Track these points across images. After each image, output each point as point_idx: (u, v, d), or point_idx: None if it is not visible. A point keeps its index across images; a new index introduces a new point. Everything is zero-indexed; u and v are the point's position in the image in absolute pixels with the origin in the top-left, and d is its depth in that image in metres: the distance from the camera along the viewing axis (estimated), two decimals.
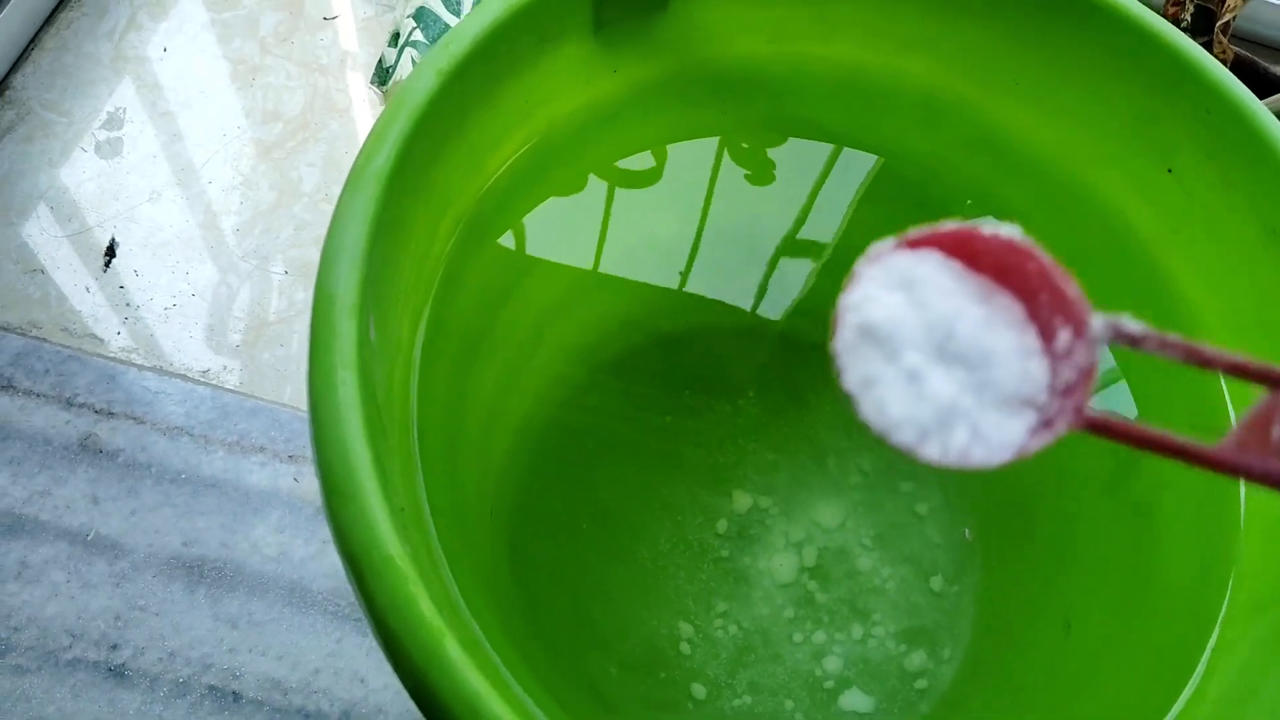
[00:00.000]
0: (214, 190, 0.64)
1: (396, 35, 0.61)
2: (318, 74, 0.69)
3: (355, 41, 0.70)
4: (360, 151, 0.31)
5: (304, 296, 0.62)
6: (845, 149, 0.44)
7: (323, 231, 0.63)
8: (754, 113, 0.42)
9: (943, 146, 0.42)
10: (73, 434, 0.57)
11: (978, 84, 0.40)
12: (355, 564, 0.26)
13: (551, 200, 0.41)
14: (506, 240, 0.40)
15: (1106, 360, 0.45)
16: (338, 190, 0.65)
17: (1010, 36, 0.39)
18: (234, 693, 0.52)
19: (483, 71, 0.33)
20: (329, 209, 0.64)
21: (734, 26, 0.40)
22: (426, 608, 0.25)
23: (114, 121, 0.66)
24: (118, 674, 0.52)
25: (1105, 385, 0.45)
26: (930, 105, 0.41)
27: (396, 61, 0.59)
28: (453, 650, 0.24)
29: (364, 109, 0.68)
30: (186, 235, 0.63)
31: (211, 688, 0.52)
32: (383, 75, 0.59)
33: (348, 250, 0.29)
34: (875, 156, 0.44)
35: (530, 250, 0.42)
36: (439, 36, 0.59)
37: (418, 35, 0.59)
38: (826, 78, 0.41)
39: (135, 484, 0.56)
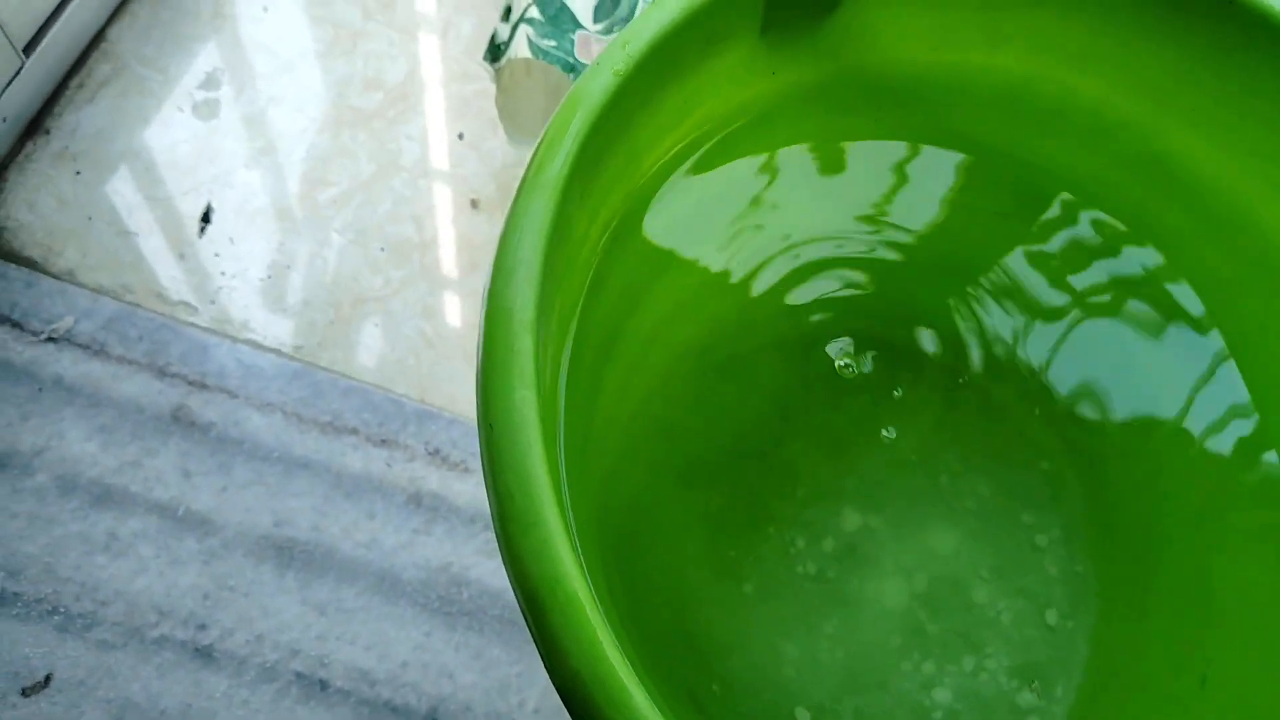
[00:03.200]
0: (311, 159, 0.63)
1: (509, 9, 0.59)
2: (419, 43, 0.67)
3: (459, 10, 0.68)
4: (535, 155, 0.29)
5: (399, 275, 0.60)
6: (995, 162, 0.42)
7: (420, 209, 0.62)
8: (908, 121, 0.40)
9: (1103, 168, 0.40)
10: (165, 404, 0.56)
11: (1151, 107, 0.38)
12: (535, 599, 0.24)
13: (694, 199, 0.40)
14: (648, 240, 0.39)
15: (1214, 342, 0.44)
16: (437, 166, 0.64)
17: (1193, 62, 0.36)
18: (321, 681, 0.52)
19: (654, 73, 0.31)
20: (427, 185, 0.63)
21: (899, 32, 0.38)
22: (613, 655, 0.23)
23: (211, 82, 0.65)
24: (205, 654, 0.52)
25: (1213, 370, 0.43)
26: (1097, 125, 0.39)
27: (510, 38, 0.57)
28: (640, 702, 0.23)
29: (467, 83, 0.66)
30: (282, 204, 0.61)
31: (299, 674, 0.52)
32: (495, 51, 0.57)
33: (525, 262, 0.27)
34: (1027, 173, 0.42)
35: (668, 249, 0.41)
36: (556, 15, 0.57)
37: (533, 12, 0.57)
38: (989, 90, 0.39)
39: (227, 459, 0.55)
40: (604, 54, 0.30)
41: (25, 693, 0.50)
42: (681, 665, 0.45)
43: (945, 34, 0.38)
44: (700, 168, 0.38)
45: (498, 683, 0.53)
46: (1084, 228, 0.45)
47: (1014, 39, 0.38)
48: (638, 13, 0.55)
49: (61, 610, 0.52)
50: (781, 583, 0.47)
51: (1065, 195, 0.44)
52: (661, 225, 0.39)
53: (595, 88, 0.29)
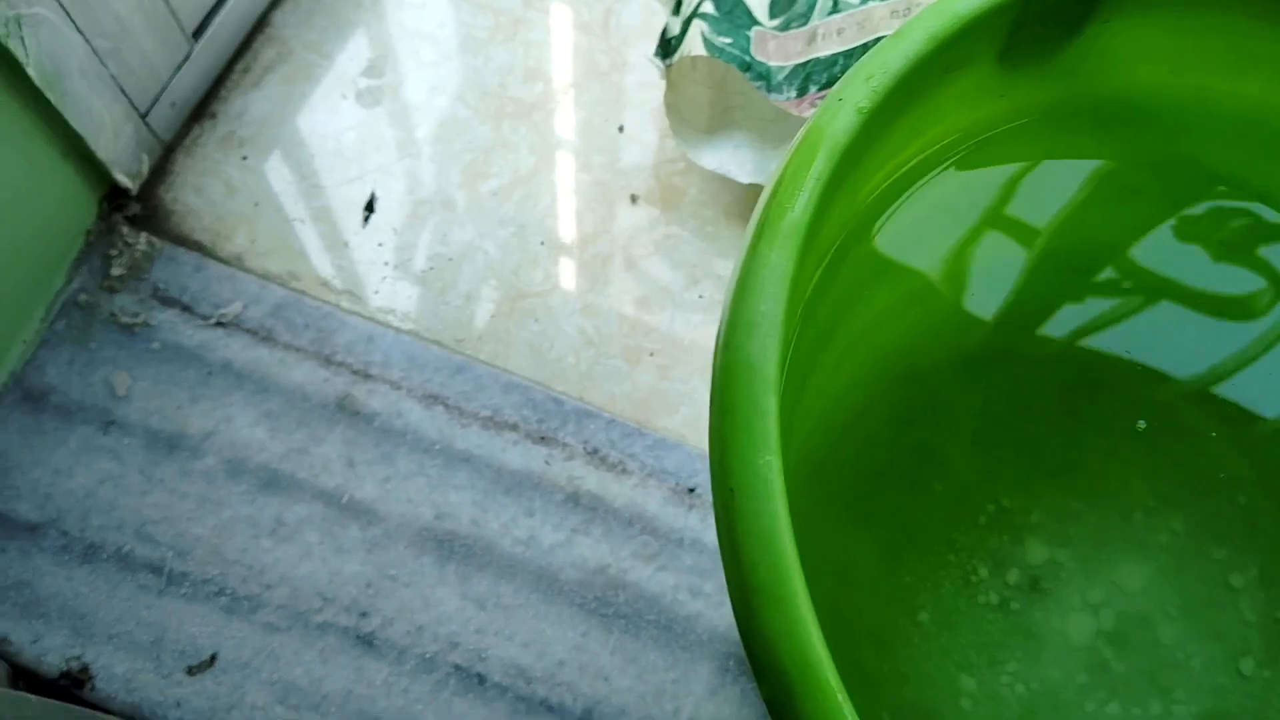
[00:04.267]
0: (473, 150, 0.62)
1: (680, 2, 0.57)
2: (580, 32, 0.66)
3: (621, 1, 0.67)
4: (772, 197, 0.28)
5: (559, 271, 0.60)
6: (1223, 188, 0.39)
7: (580, 203, 0.62)
8: (1137, 146, 0.38)
9: None
10: (330, 393, 0.56)
11: None
12: (783, 682, 0.23)
13: (909, 219, 0.38)
14: (854, 268, 0.37)
15: None
16: (598, 159, 0.63)
17: None
18: (479, 675, 0.52)
19: (893, 105, 0.30)
20: (588, 179, 0.62)
21: (1138, 55, 0.35)
22: None
23: (374, 69, 0.64)
24: (366, 642, 0.52)
25: None
26: None
27: (683, 33, 0.55)
28: None
29: (628, 73, 0.64)
30: (445, 195, 0.61)
31: (457, 667, 0.52)
32: (666, 47, 0.56)
33: (768, 316, 0.26)
34: (1260, 205, 0.39)
35: (875, 270, 0.39)
36: (731, 10, 0.55)
37: (708, 7, 0.55)
38: (1229, 117, 0.36)
39: (390, 450, 0.55)
40: (844, 88, 0.29)
41: (191, 671, 0.52)
42: (852, 696, 0.44)
43: (1188, 57, 0.35)
44: (916, 191, 0.37)
45: (653, 688, 0.52)
46: None
47: (1260, 65, 0.35)
48: (816, 8, 0.52)
49: (228, 592, 0.53)
50: (961, 613, 0.46)
51: None
52: (872, 249, 0.38)
53: (839, 127, 0.28)
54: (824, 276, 0.34)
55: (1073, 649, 0.45)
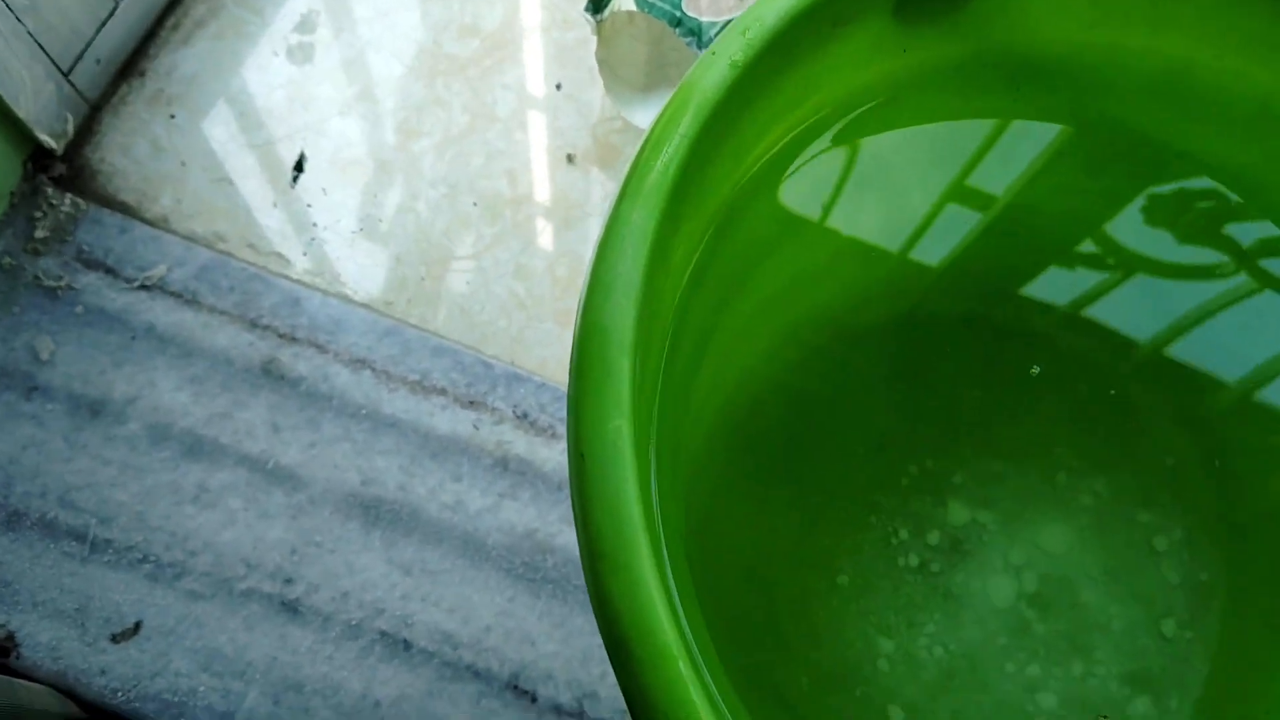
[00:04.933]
0: (406, 108, 0.61)
1: None
2: None
3: None
4: (638, 157, 0.27)
5: (491, 232, 0.59)
6: (1144, 149, 0.38)
7: (515, 163, 0.60)
8: (1051, 103, 0.37)
9: (1266, 159, 0.36)
10: (255, 357, 0.56)
11: None
12: (623, 647, 0.23)
13: (800, 183, 0.37)
14: (751, 231, 0.36)
15: None
16: (533, 117, 0.61)
17: None
18: (405, 641, 0.51)
19: (773, 60, 0.29)
20: (523, 137, 0.61)
21: (1050, 8, 0.34)
22: (705, 714, 0.22)
23: (307, 25, 0.63)
24: (291, 609, 0.52)
25: None
26: (1265, 114, 0.35)
27: None
28: None
29: (568, 30, 0.63)
30: (377, 154, 0.60)
31: (383, 633, 0.52)
32: (598, 3, 0.55)
33: (625, 277, 0.25)
34: (1178, 162, 0.38)
35: (773, 237, 0.38)
36: None
37: None
38: (1146, 73, 0.35)
39: (316, 415, 0.55)
40: (720, 42, 0.28)
41: (115, 639, 0.51)
42: (769, 658, 0.44)
43: (1104, 11, 0.34)
44: (813, 153, 0.36)
45: (580, 652, 0.52)
46: (1233, 220, 0.41)
47: (1180, 21, 0.34)
48: None
49: (152, 559, 0.52)
50: (880, 575, 0.45)
51: (1216, 185, 0.40)
52: (771, 212, 0.37)
53: (709, 82, 0.27)
54: (715, 236, 0.33)
55: (993, 611, 0.45)
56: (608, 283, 0.25)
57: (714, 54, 0.27)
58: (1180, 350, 0.46)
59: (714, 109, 0.27)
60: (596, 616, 0.24)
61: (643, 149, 0.27)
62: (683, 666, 0.22)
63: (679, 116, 0.27)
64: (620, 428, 0.24)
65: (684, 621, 0.24)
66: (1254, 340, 0.46)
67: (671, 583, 0.24)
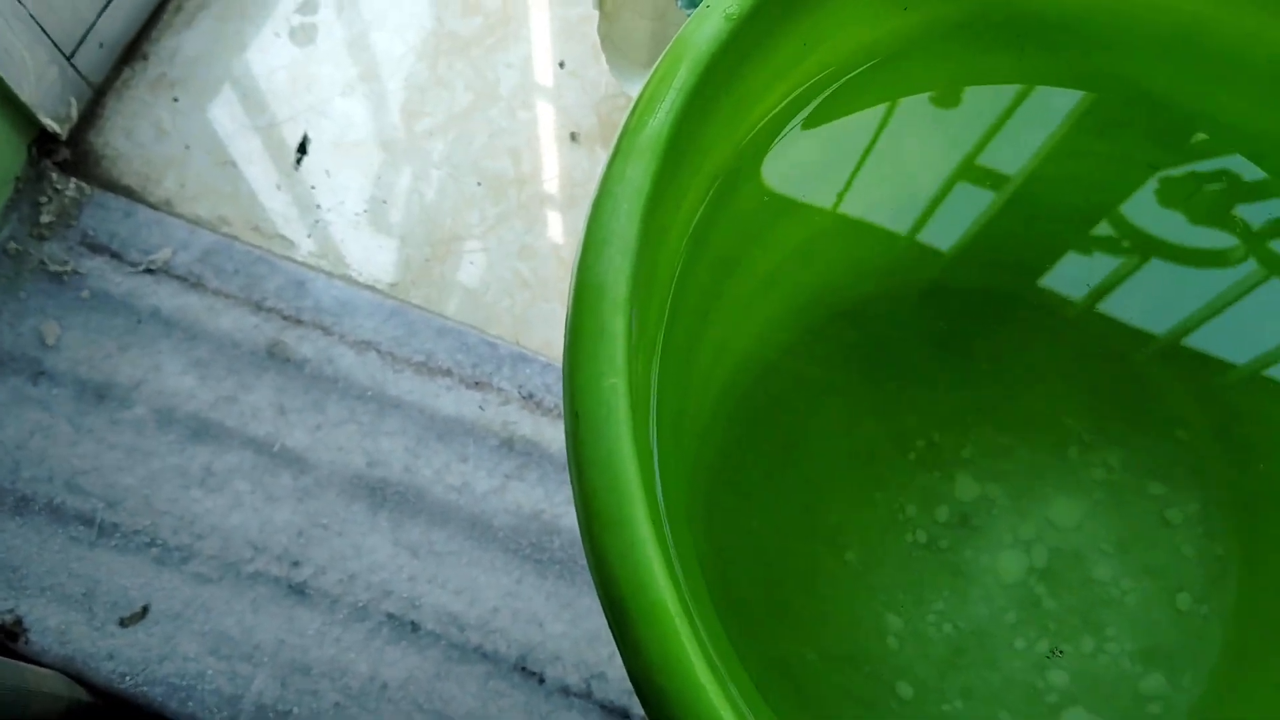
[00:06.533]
0: (409, 88, 0.61)
1: None
2: None
3: None
4: (633, 112, 0.26)
5: (496, 212, 0.58)
6: (1155, 110, 0.37)
7: (519, 141, 0.60)
8: (1058, 63, 0.36)
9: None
10: (260, 339, 0.55)
11: None
12: (619, 605, 0.22)
13: (813, 149, 0.36)
14: (755, 195, 0.36)
15: None
16: (538, 96, 0.61)
17: None
18: (412, 623, 0.51)
19: (770, 14, 0.28)
20: (526, 116, 0.60)
21: None
22: (704, 676, 0.21)
23: (309, 6, 0.63)
24: (298, 591, 0.52)
25: None
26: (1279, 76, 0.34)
27: None
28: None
29: (571, 6, 0.63)
30: (380, 135, 0.60)
31: (390, 615, 0.51)
32: None
33: (619, 234, 0.25)
34: (1191, 123, 0.37)
35: (782, 199, 0.37)
36: None
37: None
38: (1157, 31, 0.34)
39: (321, 397, 0.54)
40: None
41: (123, 623, 0.51)
42: (775, 634, 0.43)
43: None
44: (819, 117, 0.35)
45: (587, 634, 0.52)
46: (1247, 184, 0.40)
47: None
48: None
49: (159, 543, 0.52)
50: (888, 551, 0.45)
51: (1232, 152, 0.39)
52: (775, 176, 0.36)
53: (703, 35, 0.26)
54: (715, 199, 0.32)
55: (1003, 586, 0.44)
56: (601, 239, 0.25)
57: (709, 7, 0.27)
58: (1194, 326, 0.45)
59: (709, 63, 0.26)
60: (593, 575, 0.23)
61: (636, 105, 0.26)
62: (679, 623, 0.22)
63: (673, 71, 0.26)
64: (615, 385, 0.23)
65: (683, 584, 0.23)
66: (1269, 317, 0.45)
67: (671, 545, 0.24)
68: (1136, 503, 0.45)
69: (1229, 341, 0.45)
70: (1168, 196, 0.43)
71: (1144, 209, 0.44)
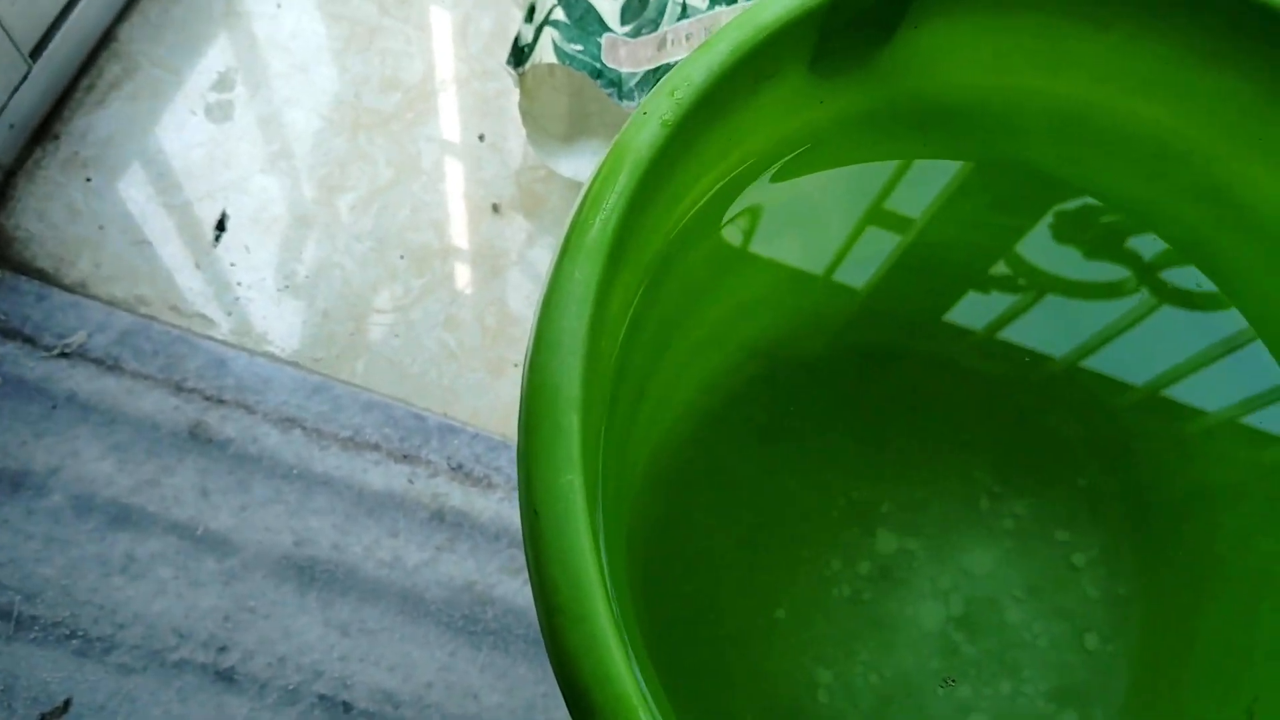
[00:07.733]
0: (329, 163, 0.61)
1: (533, 9, 0.57)
2: (438, 40, 0.65)
3: (478, 6, 0.66)
4: (577, 215, 0.28)
5: (420, 284, 0.59)
6: (1046, 186, 0.40)
7: (440, 214, 0.61)
8: (958, 146, 0.39)
9: (1163, 194, 0.39)
10: (182, 421, 0.55)
11: (1217, 134, 0.37)
12: (584, 698, 0.23)
13: (728, 228, 0.38)
14: (684, 277, 0.37)
15: (1236, 320, 0.43)
16: (457, 168, 0.62)
17: (1265, 90, 0.35)
18: (344, 703, 0.51)
19: (701, 116, 0.30)
20: (447, 189, 0.61)
21: (955, 57, 0.36)
22: None
23: (225, 83, 0.63)
24: (226, 678, 0.51)
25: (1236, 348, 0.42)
26: (1161, 152, 0.37)
27: (534, 41, 0.55)
28: None
29: (488, 81, 0.64)
30: (300, 211, 0.60)
31: (321, 696, 0.51)
32: (519, 55, 0.56)
33: (570, 334, 0.26)
34: (1084, 199, 0.40)
35: (703, 280, 0.39)
36: (582, 17, 0.55)
37: (559, 14, 0.55)
38: (1048, 116, 0.37)
39: (246, 477, 0.54)
40: (650, 101, 0.29)
41: (45, 718, 0.50)
42: (718, 697, 0.45)
43: (1005, 57, 0.36)
44: (738, 202, 0.37)
45: (524, 703, 0.52)
46: (1135, 249, 0.43)
47: (1076, 65, 0.36)
48: (666, 14, 0.53)
49: (80, 634, 0.51)
50: (815, 606, 0.46)
51: (1116, 218, 0.43)
52: (702, 255, 0.38)
53: (642, 140, 0.28)
54: (650, 287, 0.34)
55: (924, 635, 0.46)
56: (553, 340, 0.26)
57: (645, 114, 0.28)
58: (1088, 366, 0.49)
59: (648, 166, 0.28)
60: (554, 668, 0.24)
61: (581, 206, 0.28)
62: (643, 715, 0.23)
63: (615, 174, 0.28)
64: (572, 482, 0.24)
65: (635, 668, 0.24)
66: (1154, 352, 0.48)
67: (619, 621, 0.25)
68: (1044, 549, 0.48)
69: (1120, 378, 0.48)
70: (1060, 255, 0.46)
71: (1042, 261, 0.47)
